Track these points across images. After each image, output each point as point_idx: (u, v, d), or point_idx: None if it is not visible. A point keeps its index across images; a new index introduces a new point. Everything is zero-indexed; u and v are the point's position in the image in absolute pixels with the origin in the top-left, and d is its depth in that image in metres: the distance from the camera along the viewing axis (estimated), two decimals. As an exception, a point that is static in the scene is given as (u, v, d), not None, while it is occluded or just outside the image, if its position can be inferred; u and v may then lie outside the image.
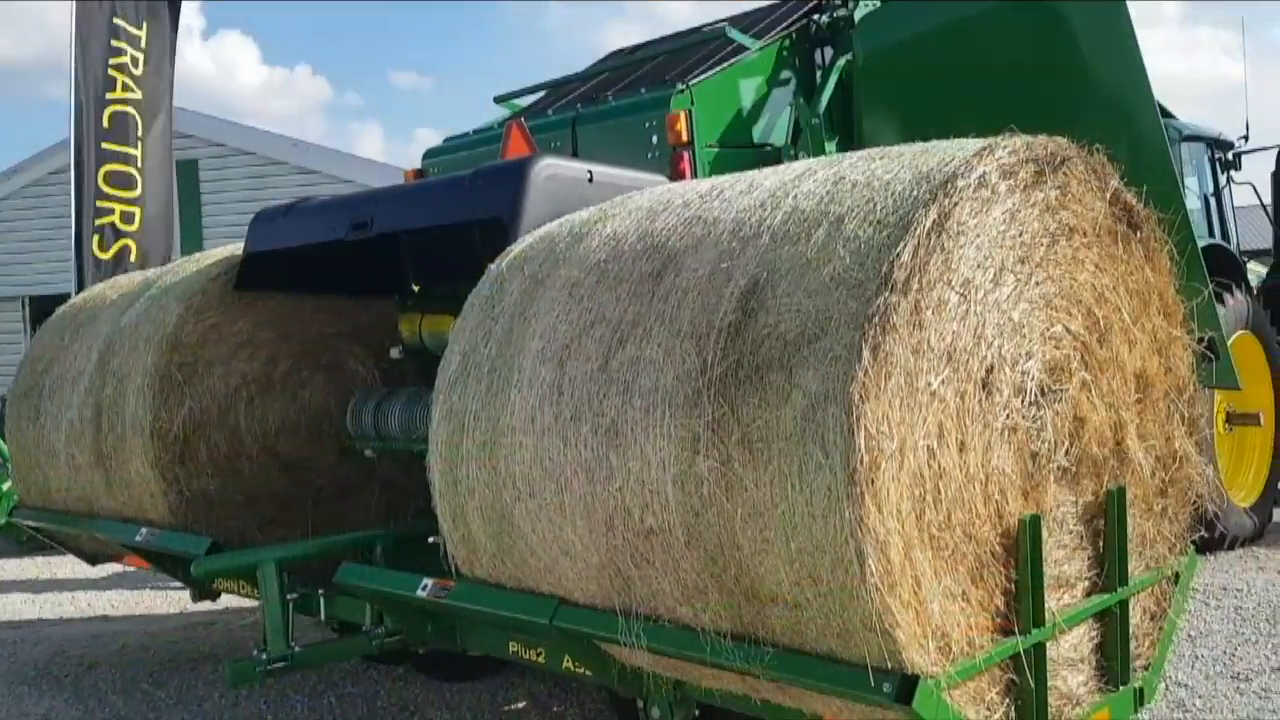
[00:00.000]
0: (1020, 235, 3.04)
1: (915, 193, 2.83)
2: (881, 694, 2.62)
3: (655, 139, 5.24)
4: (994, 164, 2.93)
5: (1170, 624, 3.66)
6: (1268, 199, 10.45)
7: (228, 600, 5.60)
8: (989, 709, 2.93)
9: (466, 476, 3.47)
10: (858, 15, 5.72)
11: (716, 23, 6.18)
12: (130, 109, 11.89)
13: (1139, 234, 3.44)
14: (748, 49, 5.75)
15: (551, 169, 4.23)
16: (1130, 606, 3.48)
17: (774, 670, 2.82)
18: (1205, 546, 8.11)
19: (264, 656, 4.10)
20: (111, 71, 11.72)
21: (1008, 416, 3.02)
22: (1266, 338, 8.88)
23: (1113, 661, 3.38)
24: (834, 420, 2.59)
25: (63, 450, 5.75)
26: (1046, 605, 3.06)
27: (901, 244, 2.70)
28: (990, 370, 2.95)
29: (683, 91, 5.33)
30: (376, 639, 4.29)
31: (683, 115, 5.13)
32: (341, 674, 5.98)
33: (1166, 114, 9.64)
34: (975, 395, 2.90)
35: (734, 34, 5.81)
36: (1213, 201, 9.50)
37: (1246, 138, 9.95)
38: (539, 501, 3.25)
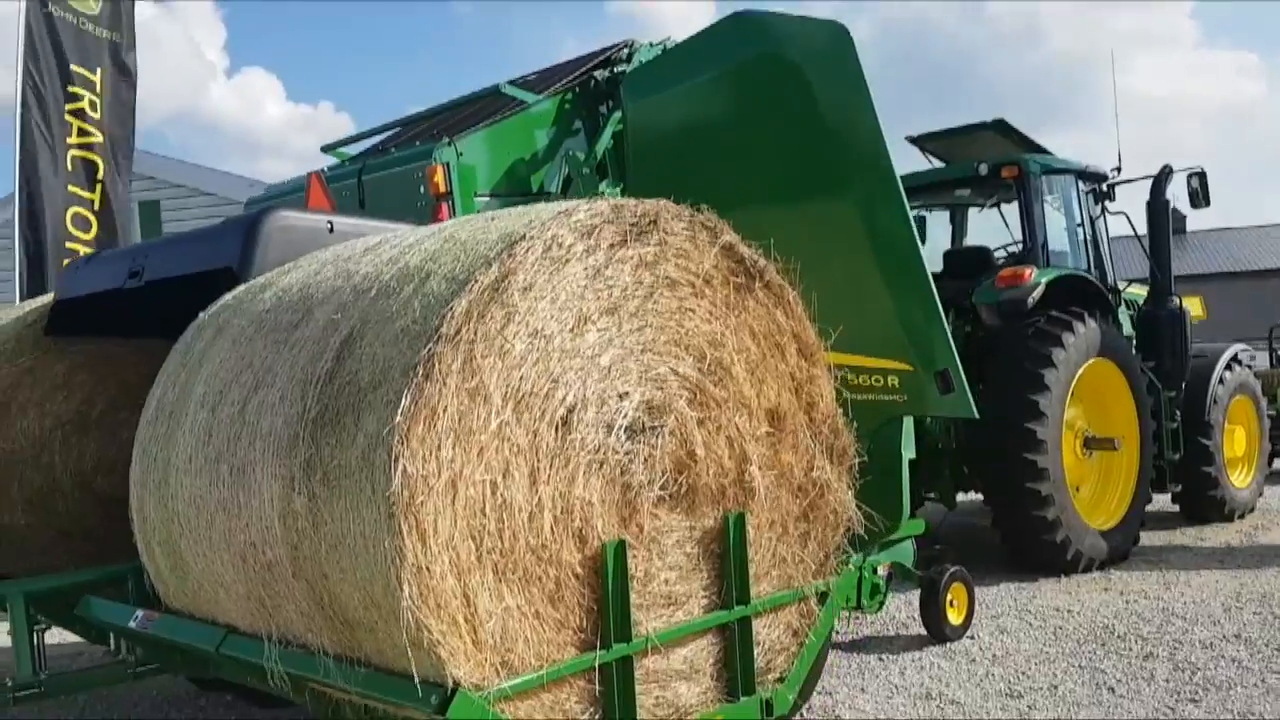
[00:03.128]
0: (608, 289, 3.34)
1: (488, 253, 3.14)
2: (429, 705, 2.90)
3: (423, 189, 5.58)
4: (569, 226, 3.24)
5: (812, 641, 3.92)
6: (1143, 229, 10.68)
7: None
8: (567, 716, 3.21)
9: (150, 514, 3.79)
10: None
11: (515, 81, 6.55)
12: (89, 153, 12.27)
13: (759, 282, 3.73)
14: (526, 104, 6.10)
15: (285, 221, 4.55)
16: (763, 623, 3.75)
17: (363, 688, 3.11)
18: (1057, 568, 8.37)
19: (9, 683, 4.39)
20: (68, 117, 12.14)
21: (596, 451, 3.30)
22: (1126, 363, 9.11)
23: (733, 674, 3.65)
24: (380, 459, 2.89)
25: (-105, 487, 6.08)
26: (638, 622, 3.34)
27: (456, 299, 3.00)
28: (571, 410, 3.24)
29: (447, 144, 5.67)
30: (130, 667, 4.58)
31: (440, 168, 5.47)
32: (171, 698, 6.27)
33: (1037, 148, 9.97)
34: (551, 433, 3.19)
35: (510, 90, 6.17)
36: (1080, 232, 9.75)
37: (1119, 169, 10.21)
38: (196, 536, 3.56)
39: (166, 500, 3.68)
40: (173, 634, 3.85)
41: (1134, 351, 9.97)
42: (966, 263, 9.77)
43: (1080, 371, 8.56)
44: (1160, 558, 9.14)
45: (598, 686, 3.28)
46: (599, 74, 6.24)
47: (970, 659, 6.44)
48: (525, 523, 3.13)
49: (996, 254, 9.99)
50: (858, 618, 7.36)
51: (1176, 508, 10.74)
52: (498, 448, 3.07)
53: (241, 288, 4.16)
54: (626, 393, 3.40)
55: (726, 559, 3.63)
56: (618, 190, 6.00)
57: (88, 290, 5.42)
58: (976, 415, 5.21)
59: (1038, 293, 8.52)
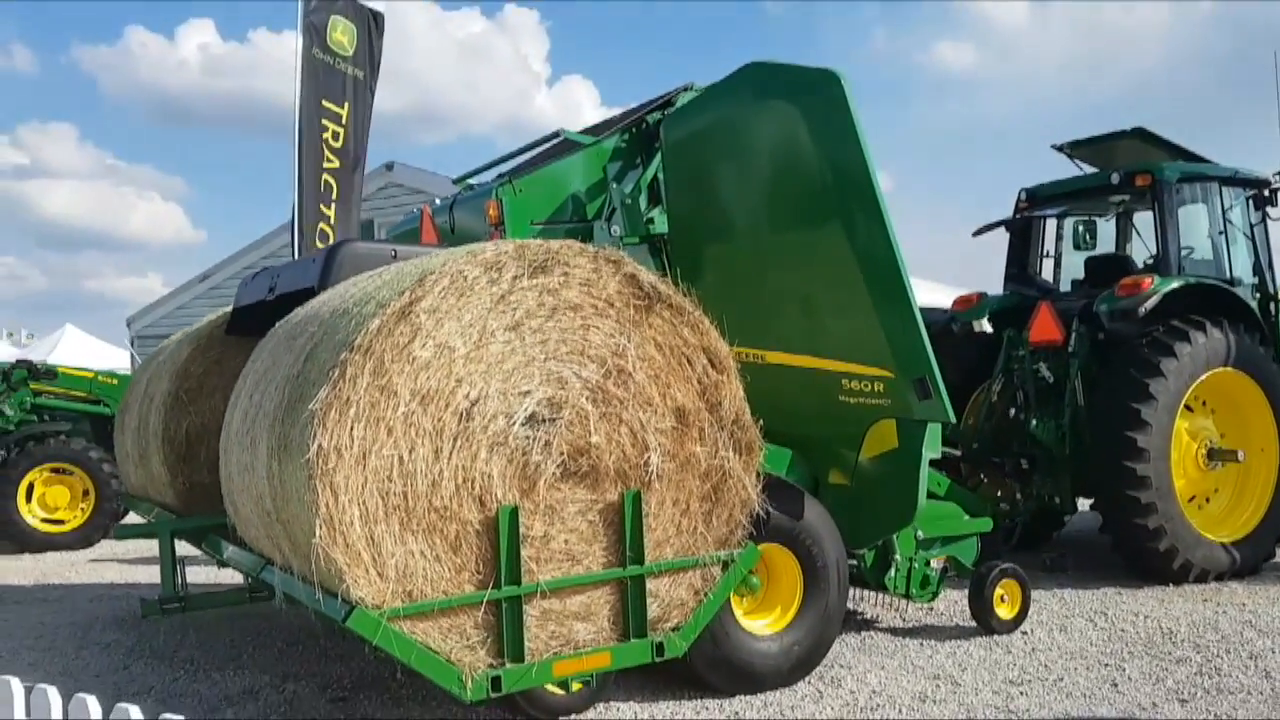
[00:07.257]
0: (511, 310, 4.29)
1: (405, 284, 4.18)
2: (338, 616, 3.98)
3: (485, 220, 6.67)
4: (474, 262, 4.22)
5: (710, 600, 4.69)
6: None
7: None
8: (464, 638, 4.19)
9: (224, 472, 5.09)
10: None
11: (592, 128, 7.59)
12: (329, 177, 14.33)
13: (661, 304, 4.55)
14: (584, 145, 7.08)
15: (356, 250, 5.77)
16: (665, 582, 4.60)
17: (309, 603, 4.23)
18: (1165, 576, 8.43)
19: (158, 598, 5.88)
20: (322, 145, 14.26)
21: (498, 435, 4.27)
22: (1262, 373, 8.92)
23: (626, 621, 4.51)
24: (308, 434, 3.99)
25: (131, 451, 7.86)
26: (531, 571, 4.28)
27: (371, 319, 4.06)
28: (475, 403, 4.22)
29: (506, 183, 6.74)
30: (247, 591, 5.98)
31: (495, 203, 6.53)
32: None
33: (1185, 155, 9.87)
34: (454, 421, 4.18)
35: (570, 135, 7.18)
36: (1225, 240, 9.59)
37: (1281, 173, 9.91)
38: (239, 489, 4.81)
39: (228, 462, 4.97)
40: (238, 563, 5.15)
41: None
42: (1107, 270, 9.85)
43: (1200, 381, 8.54)
44: (1294, 574, 8.92)
45: (492, 618, 4.25)
46: (651, 116, 7.13)
47: (1007, 651, 6.79)
48: (429, 488, 4.14)
49: (1146, 261, 9.98)
50: (927, 609, 7.82)
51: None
52: (404, 430, 4.09)
53: (302, 305, 5.40)
54: (528, 391, 4.33)
55: (623, 528, 4.49)
56: (664, 218, 6.89)
57: (249, 300, 6.91)
58: (953, 419, 5.71)
59: (1152, 302, 8.57)
